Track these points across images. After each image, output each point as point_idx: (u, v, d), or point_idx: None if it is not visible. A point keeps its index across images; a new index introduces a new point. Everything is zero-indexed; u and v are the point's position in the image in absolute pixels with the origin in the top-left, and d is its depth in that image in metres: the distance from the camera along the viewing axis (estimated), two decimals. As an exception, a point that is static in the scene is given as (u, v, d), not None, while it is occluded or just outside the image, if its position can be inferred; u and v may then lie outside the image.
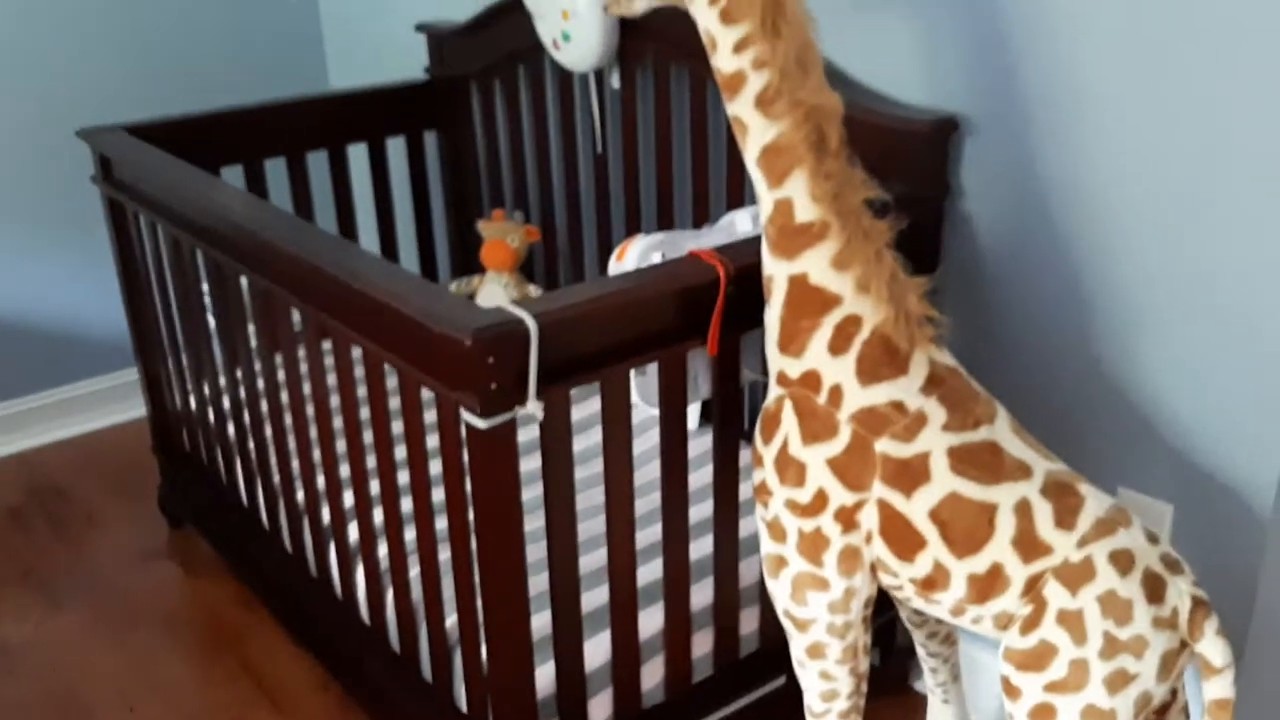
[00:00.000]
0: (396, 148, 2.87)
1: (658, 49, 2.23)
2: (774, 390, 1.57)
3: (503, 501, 1.49)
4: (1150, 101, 1.61)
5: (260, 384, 2.09)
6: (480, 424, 1.43)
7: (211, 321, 2.25)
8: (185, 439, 2.58)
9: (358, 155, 2.81)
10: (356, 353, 1.72)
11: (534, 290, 2.71)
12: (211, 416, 2.37)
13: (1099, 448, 1.78)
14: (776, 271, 1.52)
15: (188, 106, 2.64)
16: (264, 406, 2.10)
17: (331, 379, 1.88)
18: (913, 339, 1.49)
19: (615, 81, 2.38)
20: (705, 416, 2.26)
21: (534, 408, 1.45)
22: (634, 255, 1.66)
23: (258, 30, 3.23)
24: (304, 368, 1.92)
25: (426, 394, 1.59)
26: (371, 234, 2.89)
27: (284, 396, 2.02)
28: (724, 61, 1.50)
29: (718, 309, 1.58)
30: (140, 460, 2.90)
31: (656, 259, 1.66)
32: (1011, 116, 1.77)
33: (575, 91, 2.48)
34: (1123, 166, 1.66)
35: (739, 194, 2.15)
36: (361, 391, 1.76)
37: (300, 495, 2.10)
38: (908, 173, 1.80)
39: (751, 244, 1.63)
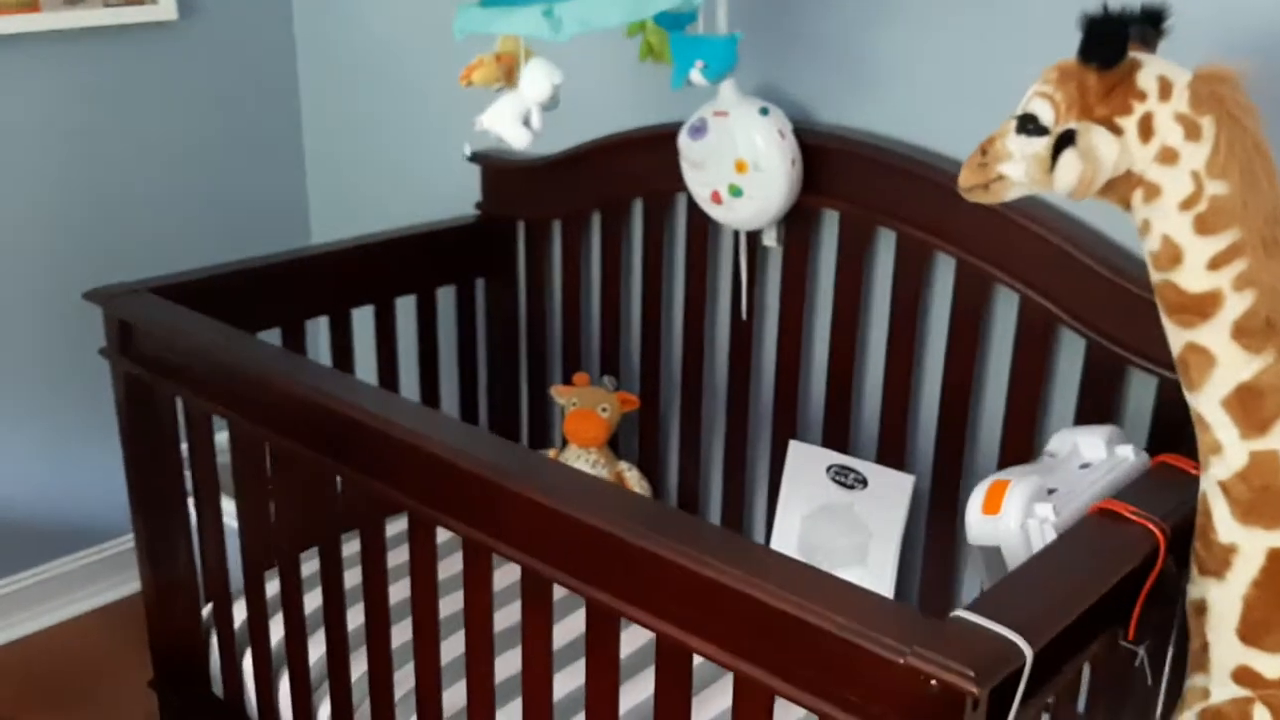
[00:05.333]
0: (438, 297, 2.42)
1: (849, 209, 1.89)
2: (1227, 689, 1.23)
3: None
4: None
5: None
6: (945, 785, 1.03)
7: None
8: (216, 674, 2.04)
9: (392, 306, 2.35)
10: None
11: (627, 469, 2.30)
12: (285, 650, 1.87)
13: None
14: (1247, 542, 1.19)
15: (165, 267, 2.16)
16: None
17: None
18: None
19: (770, 239, 2.02)
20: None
21: (1003, 756, 1.06)
22: (1016, 508, 1.29)
23: (238, 189, 2.76)
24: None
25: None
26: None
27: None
28: (1191, 279, 1.17)
29: (1148, 585, 1.23)
30: (81, 670, 2.40)
31: (1046, 514, 1.29)
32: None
33: (710, 246, 2.10)
34: None
35: (963, 401, 1.82)
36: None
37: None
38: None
39: (1155, 492, 1.30)
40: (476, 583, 1.47)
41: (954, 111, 1.79)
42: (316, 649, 1.84)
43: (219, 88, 2.68)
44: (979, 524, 1.32)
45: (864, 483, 1.97)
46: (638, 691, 1.67)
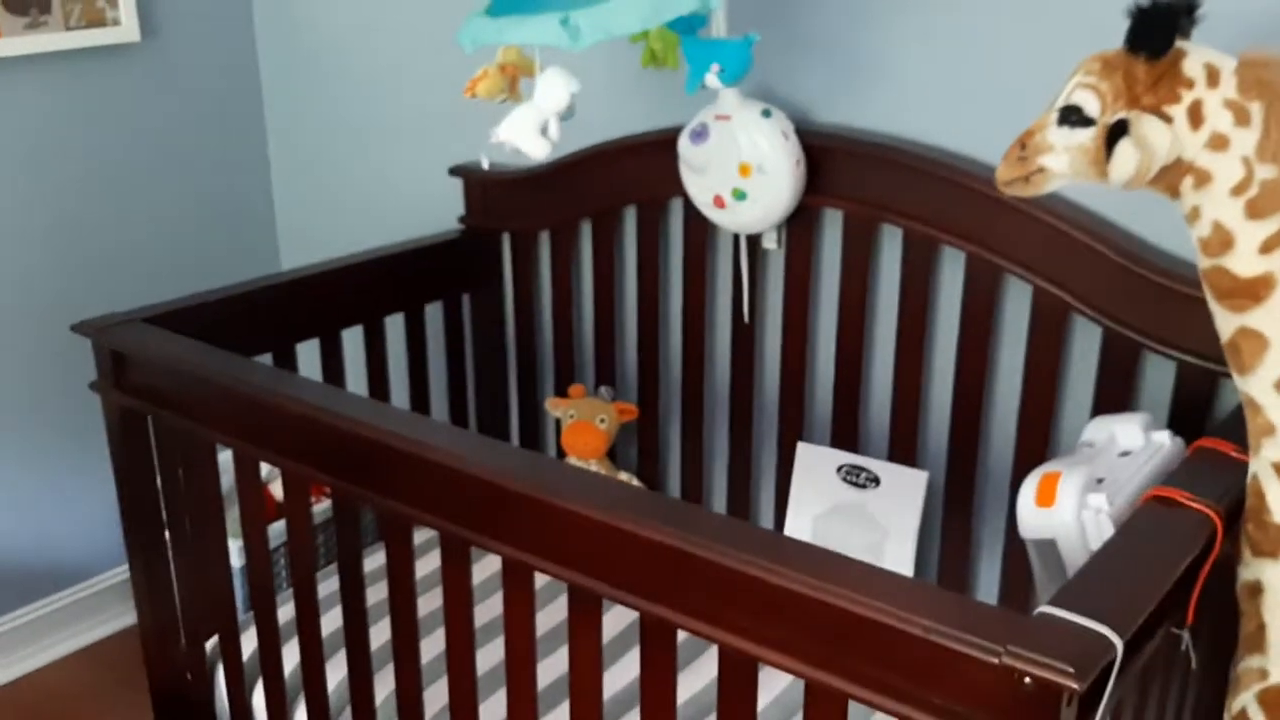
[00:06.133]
0: (425, 314, 2.38)
1: (852, 207, 1.88)
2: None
3: None
4: None
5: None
6: (1039, 783, 1.02)
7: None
8: (223, 708, 1.98)
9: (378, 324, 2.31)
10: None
11: (627, 479, 2.28)
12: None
13: None
14: (1304, 523, 1.19)
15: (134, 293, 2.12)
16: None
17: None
18: None
19: (770, 241, 2.01)
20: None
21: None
22: (1070, 500, 1.29)
23: (204, 212, 2.70)
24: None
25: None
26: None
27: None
28: (1243, 263, 1.18)
29: (1205, 571, 1.23)
30: (69, 716, 2.33)
31: (1101, 504, 1.29)
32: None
33: (708, 251, 2.09)
34: None
35: (976, 394, 1.83)
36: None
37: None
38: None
39: (1201, 477, 1.31)
40: (519, 604, 1.44)
41: (952, 107, 1.80)
42: (334, 674, 1.80)
43: (183, 108, 2.62)
44: (1032, 517, 1.32)
45: (876, 481, 1.96)
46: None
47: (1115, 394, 1.71)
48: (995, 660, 1.02)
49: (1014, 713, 1.03)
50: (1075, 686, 0.97)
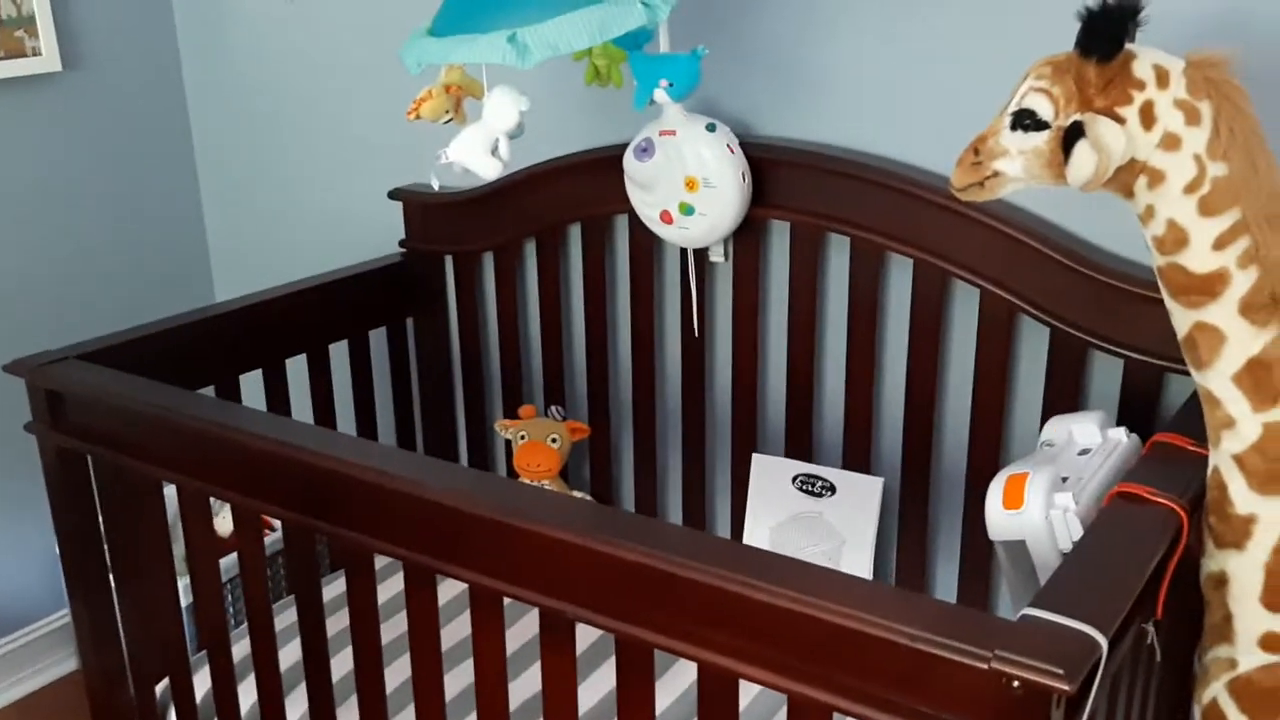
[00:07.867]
0: (369, 340, 2.35)
1: (799, 218, 1.89)
2: (1255, 656, 1.26)
3: None
4: None
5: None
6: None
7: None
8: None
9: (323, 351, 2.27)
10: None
11: (580, 497, 2.26)
12: None
13: None
14: (1266, 512, 1.22)
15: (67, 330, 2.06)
16: None
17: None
18: None
19: (717, 254, 2.01)
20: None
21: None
22: (1038, 500, 1.30)
23: (134, 244, 2.64)
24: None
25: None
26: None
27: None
28: (1197, 260, 1.19)
29: (1172, 566, 1.25)
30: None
31: (1067, 503, 1.30)
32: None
33: (655, 266, 2.08)
34: None
35: (928, 398, 1.84)
36: None
37: None
38: None
39: (1162, 472, 1.33)
40: (488, 631, 1.41)
41: (893, 117, 1.81)
42: (294, 710, 1.76)
43: (109, 138, 2.57)
44: (1001, 520, 1.33)
45: (832, 489, 1.97)
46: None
47: (1064, 393, 1.73)
48: (984, 665, 1.02)
49: (1002, 717, 1.03)
50: (1066, 688, 0.98)
